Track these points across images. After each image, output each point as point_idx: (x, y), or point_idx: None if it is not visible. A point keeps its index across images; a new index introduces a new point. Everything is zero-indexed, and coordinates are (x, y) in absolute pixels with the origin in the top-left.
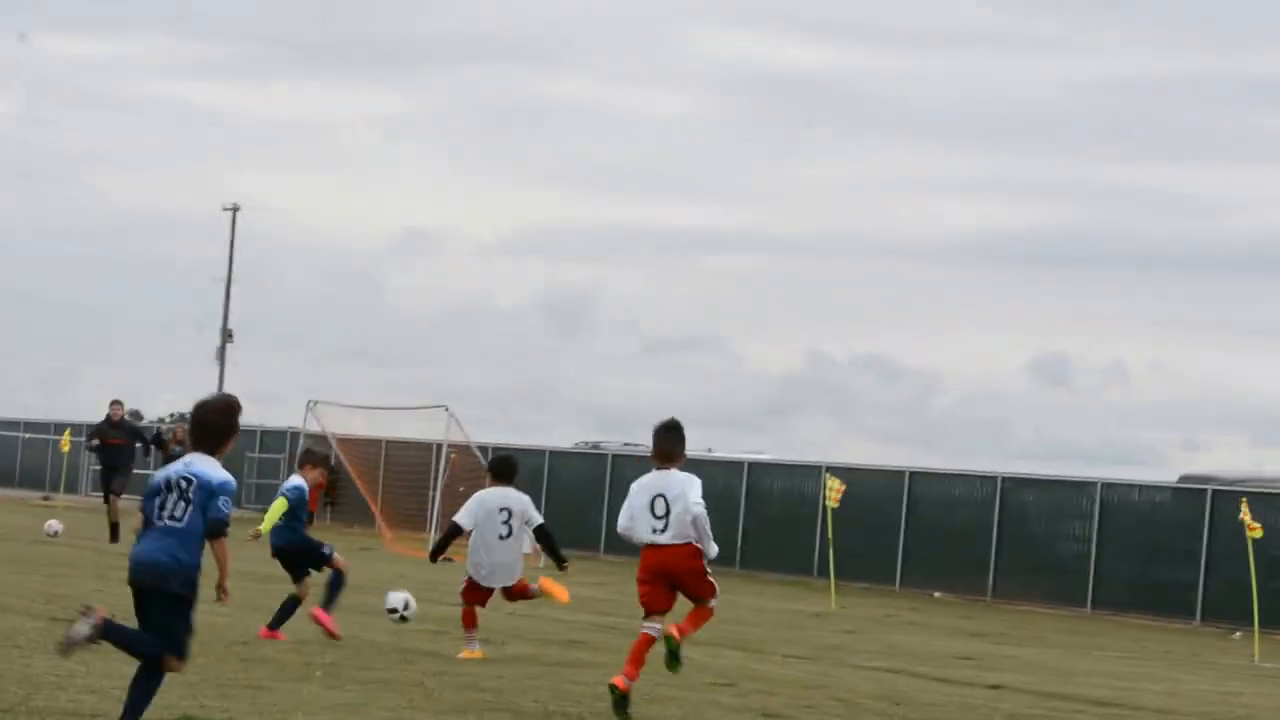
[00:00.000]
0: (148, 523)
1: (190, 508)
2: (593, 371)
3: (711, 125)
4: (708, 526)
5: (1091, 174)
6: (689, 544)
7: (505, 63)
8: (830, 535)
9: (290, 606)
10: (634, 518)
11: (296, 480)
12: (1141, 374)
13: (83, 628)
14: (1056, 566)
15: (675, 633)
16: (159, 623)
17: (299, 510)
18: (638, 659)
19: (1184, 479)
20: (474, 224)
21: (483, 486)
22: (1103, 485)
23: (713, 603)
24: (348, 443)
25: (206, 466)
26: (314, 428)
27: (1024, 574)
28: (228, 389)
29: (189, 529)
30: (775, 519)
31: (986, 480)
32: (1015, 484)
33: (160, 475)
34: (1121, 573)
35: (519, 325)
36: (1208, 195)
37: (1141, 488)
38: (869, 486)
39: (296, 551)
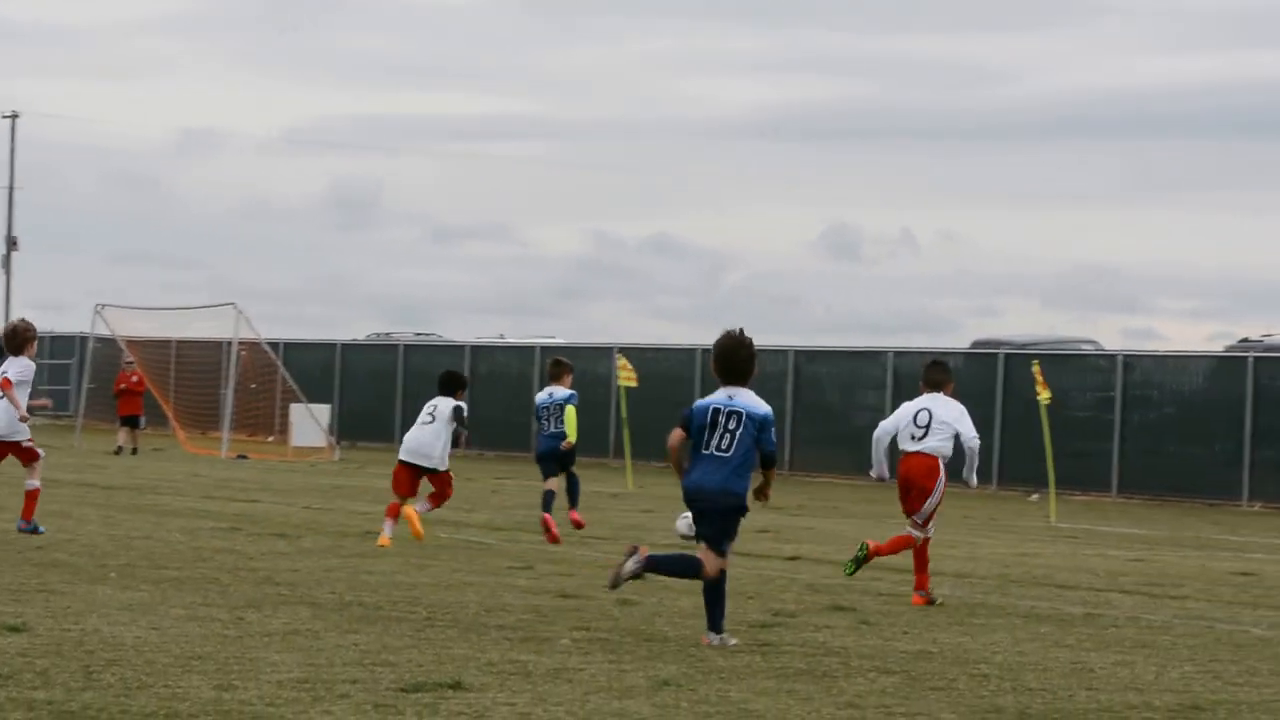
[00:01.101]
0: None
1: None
2: (382, 264)
3: (490, 13)
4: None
5: (876, 46)
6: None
7: None
8: (625, 416)
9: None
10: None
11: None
12: (931, 243)
13: (631, 565)
14: (852, 437)
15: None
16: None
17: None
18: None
19: (976, 344)
20: (256, 121)
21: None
22: (894, 354)
23: (915, 533)
24: (137, 345)
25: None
26: (103, 331)
27: (820, 446)
28: (15, 297)
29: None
30: None
31: (779, 355)
32: (808, 357)
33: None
34: None
35: (306, 221)
36: (992, 64)
37: (931, 354)
38: (662, 366)
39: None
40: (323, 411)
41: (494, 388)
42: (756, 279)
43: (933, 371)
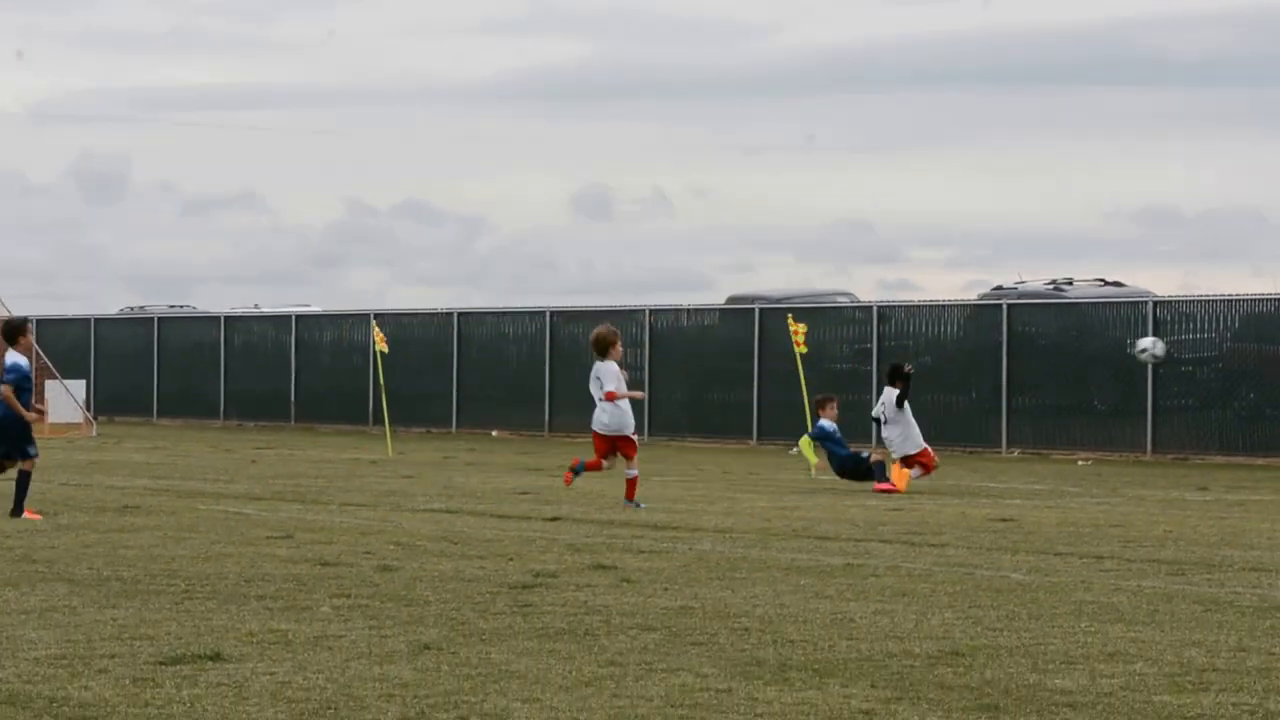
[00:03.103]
0: None
1: None
2: (133, 237)
3: None
4: None
5: (622, 4)
6: None
7: None
8: (382, 382)
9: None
10: None
11: None
12: (683, 201)
13: None
14: None
15: None
16: None
17: None
18: None
19: (731, 300)
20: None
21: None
22: (650, 312)
23: None
24: None
25: None
26: None
27: (580, 406)
28: None
29: None
30: (327, 370)
31: (535, 315)
32: (565, 318)
33: None
34: (676, 397)
35: (53, 196)
36: (741, 17)
37: (689, 312)
38: (419, 331)
39: None
40: (78, 387)
41: (251, 358)
42: (512, 242)
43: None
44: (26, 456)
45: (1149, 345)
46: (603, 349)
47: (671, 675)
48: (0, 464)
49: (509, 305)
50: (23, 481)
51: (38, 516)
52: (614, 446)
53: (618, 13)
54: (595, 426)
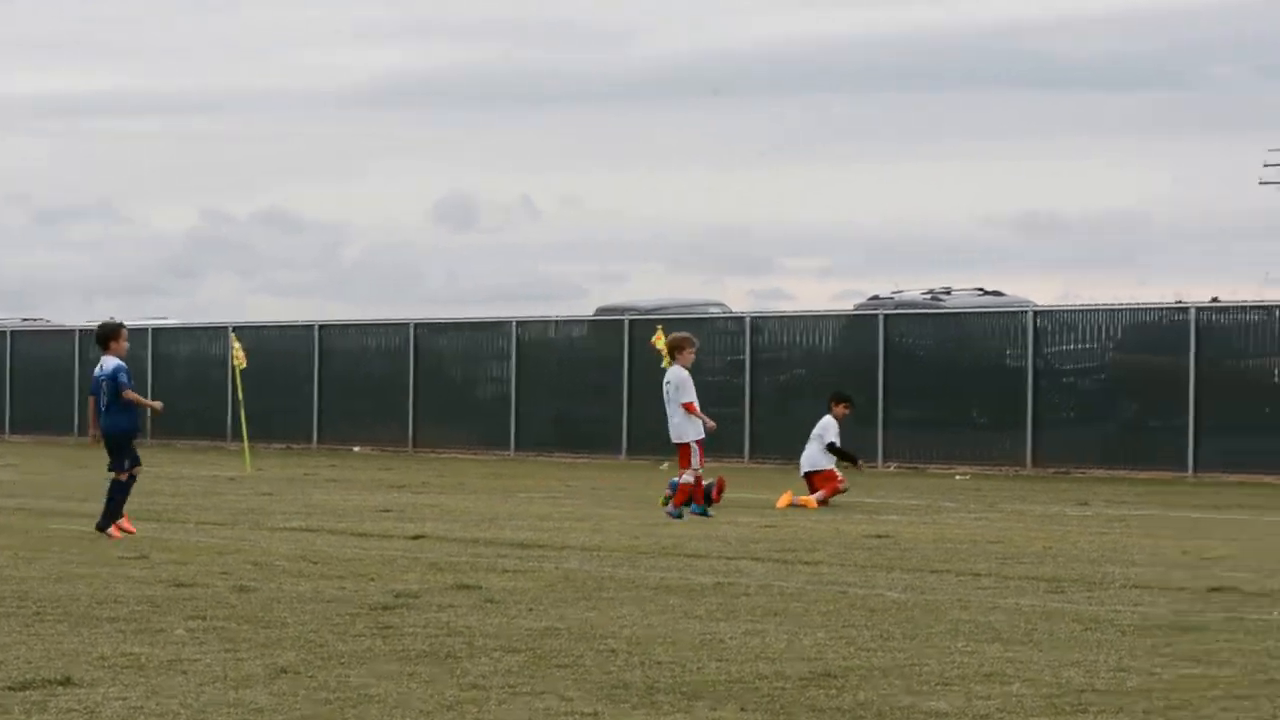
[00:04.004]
0: None
1: None
2: None
3: None
4: None
5: (489, 8)
6: None
7: None
8: (240, 397)
9: None
10: None
11: None
12: (552, 209)
13: None
14: (477, 410)
15: None
16: None
17: None
18: None
19: (601, 311)
20: None
21: None
22: (517, 324)
23: None
24: None
25: None
26: None
27: (444, 421)
28: None
29: None
30: (185, 384)
31: (398, 328)
32: (429, 330)
33: None
34: (543, 411)
35: None
36: (608, 24)
37: (558, 323)
38: (278, 344)
39: None
40: None
41: None
42: (376, 251)
43: None
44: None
45: None
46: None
47: (535, 699)
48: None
49: (372, 317)
50: (115, 493)
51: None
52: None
53: (487, 20)
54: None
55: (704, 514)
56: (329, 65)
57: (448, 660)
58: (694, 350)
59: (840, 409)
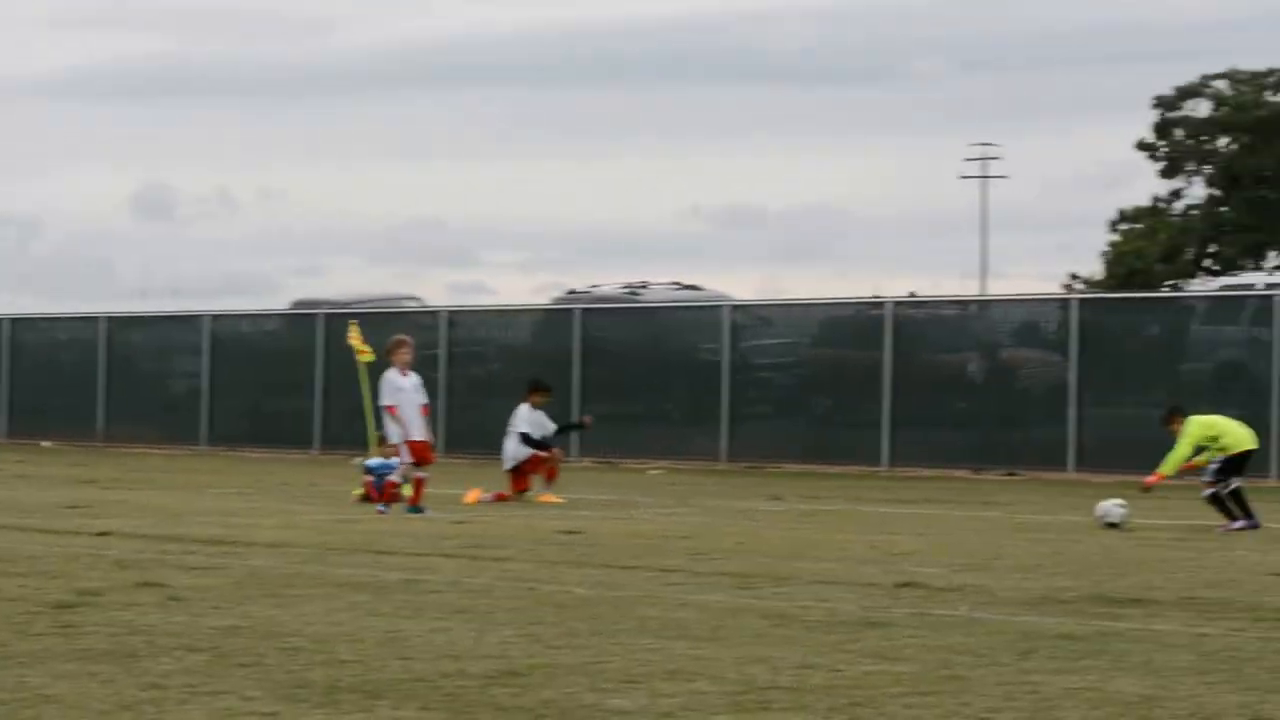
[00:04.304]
0: None
1: None
2: None
3: None
4: None
5: (179, 3)
6: None
7: None
8: None
9: None
10: None
11: None
12: (250, 202)
13: None
14: (169, 405)
15: None
16: None
17: None
18: None
19: (296, 304)
20: None
21: None
22: (211, 318)
23: None
24: None
25: None
26: None
27: (135, 415)
28: None
29: None
30: None
31: (89, 322)
32: (120, 323)
33: None
34: (237, 406)
35: None
36: (302, 14)
37: (251, 317)
38: None
39: None
40: None
41: None
42: (69, 243)
43: None
44: None
45: (1111, 516)
46: None
47: (215, 699)
48: None
49: (62, 311)
50: None
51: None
52: None
53: (187, 10)
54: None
55: (386, 511)
56: (29, 52)
57: (128, 660)
58: (407, 350)
59: (536, 398)
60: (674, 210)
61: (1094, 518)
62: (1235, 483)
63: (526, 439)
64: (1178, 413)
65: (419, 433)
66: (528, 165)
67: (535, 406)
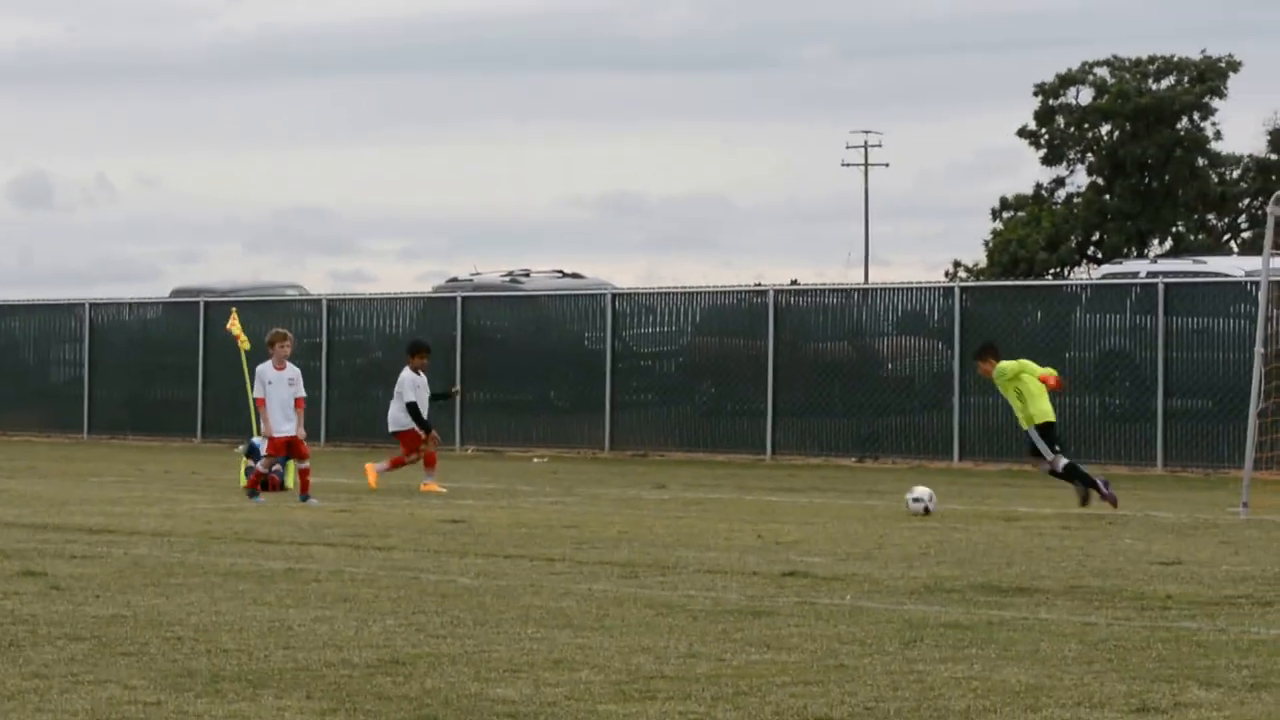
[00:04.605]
0: None
1: None
2: None
3: None
4: None
5: None
6: None
7: None
8: None
9: None
10: None
11: None
12: (129, 188)
13: None
14: (50, 393)
15: None
16: None
17: None
18: None
19: (176, 292)
20: None
21: None
22: (91, 305)
23: None
24: None
25: None
26: None
27: (17, 404)
28: None
29: None
30: None
31: None
32: (1, 312)
33: None
34: (117, 395)
35: None
36: (186, 1)
37: (132, 305)
38: None
39: None
40: None
41: None
42: None
43: None
44: None
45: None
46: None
47: (99, 687)
48: None
49: None
50: None
51: None
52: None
53: None
54: None
55: (255, 496)
56: None
57: (10, 649)
58: (284, 344)
59: (416, 360)
60: (555, 198)
61: (907, 502)
62: (1062, 460)
63: (414, 411)
64: (990, 353)
65: (281, 429)
66: (408, 153)
67: (416, 370)
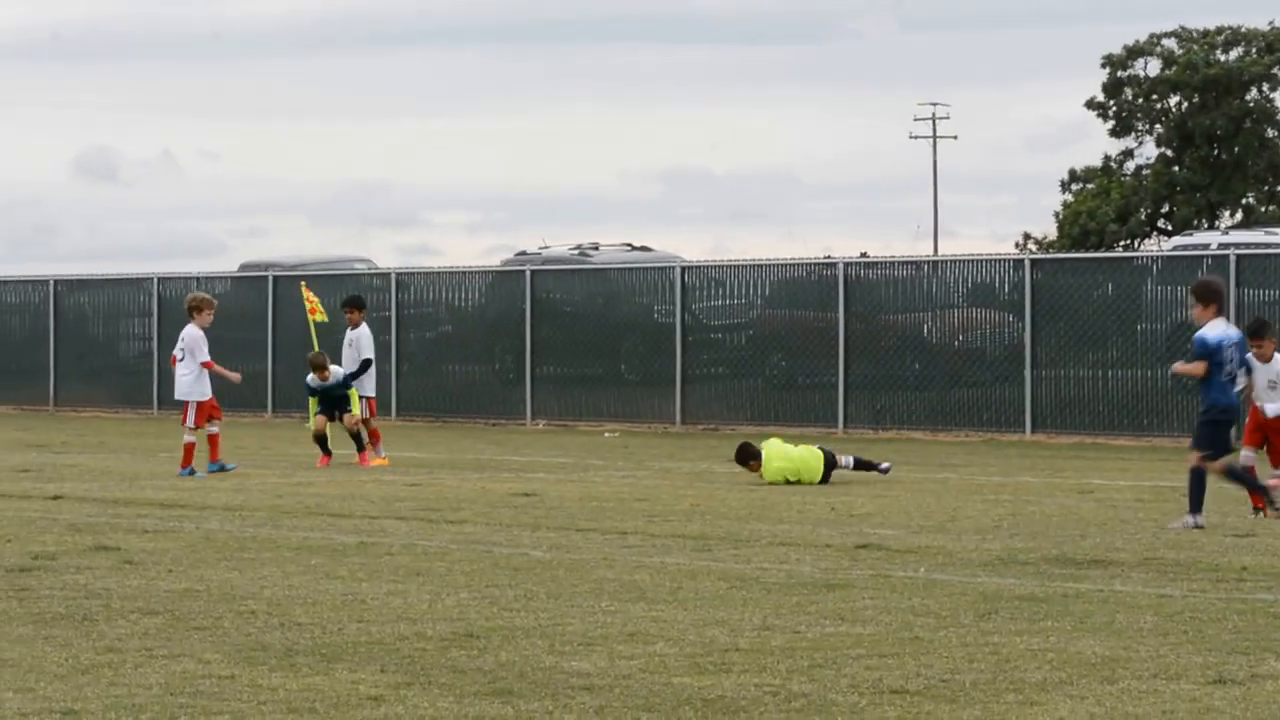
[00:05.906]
0: None
1: None
2: None
3: None
4: None
5: None
6: None
7: None
8: None
9: None
10: None
11: None
12: (193, 164)
13: None
14: (120, 368)
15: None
16: None
17: None
18: None
19: (244, 267)
20: None
21: None
22: (160, 280)
23: None
24: None
25: None
26: None
27: (86, 379)
28: None
29: None
30: None
31: (38, 285)
32: (69, 286)
33: None
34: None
35: None
36: None
37: (200, 279)
38: None
39: None
40: None
41: None
42: (12, 207)
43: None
44: None
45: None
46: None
47: (173, 661)
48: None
49: (9, 274)
50: None
51: None
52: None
53: None
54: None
55: (192, 473)
56: None
57: (84, 623)
58: (211, 312)
59: (356, 315)
60: (621, 171)
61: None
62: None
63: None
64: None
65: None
66: (470, 126)
67: (354, 325)
